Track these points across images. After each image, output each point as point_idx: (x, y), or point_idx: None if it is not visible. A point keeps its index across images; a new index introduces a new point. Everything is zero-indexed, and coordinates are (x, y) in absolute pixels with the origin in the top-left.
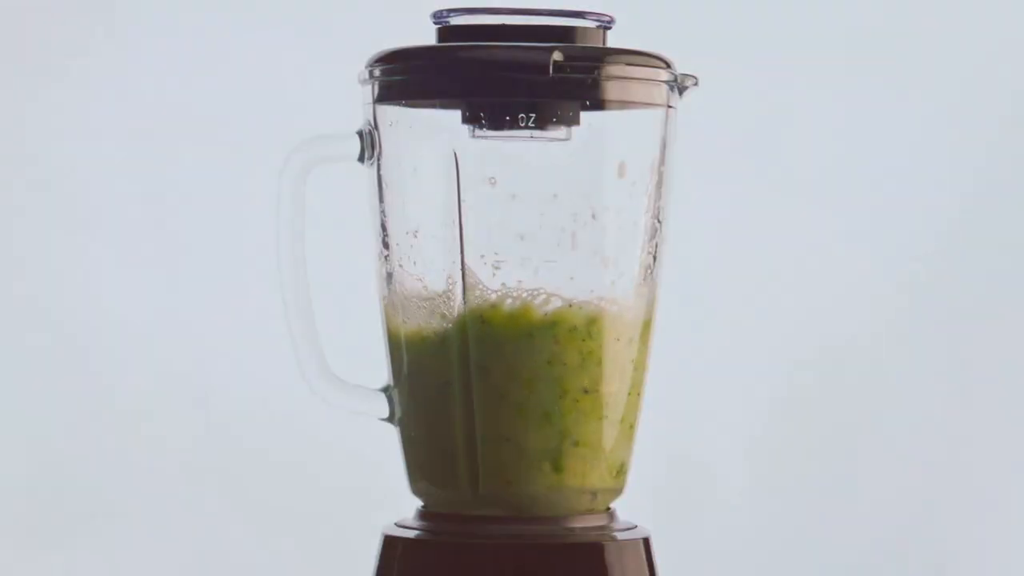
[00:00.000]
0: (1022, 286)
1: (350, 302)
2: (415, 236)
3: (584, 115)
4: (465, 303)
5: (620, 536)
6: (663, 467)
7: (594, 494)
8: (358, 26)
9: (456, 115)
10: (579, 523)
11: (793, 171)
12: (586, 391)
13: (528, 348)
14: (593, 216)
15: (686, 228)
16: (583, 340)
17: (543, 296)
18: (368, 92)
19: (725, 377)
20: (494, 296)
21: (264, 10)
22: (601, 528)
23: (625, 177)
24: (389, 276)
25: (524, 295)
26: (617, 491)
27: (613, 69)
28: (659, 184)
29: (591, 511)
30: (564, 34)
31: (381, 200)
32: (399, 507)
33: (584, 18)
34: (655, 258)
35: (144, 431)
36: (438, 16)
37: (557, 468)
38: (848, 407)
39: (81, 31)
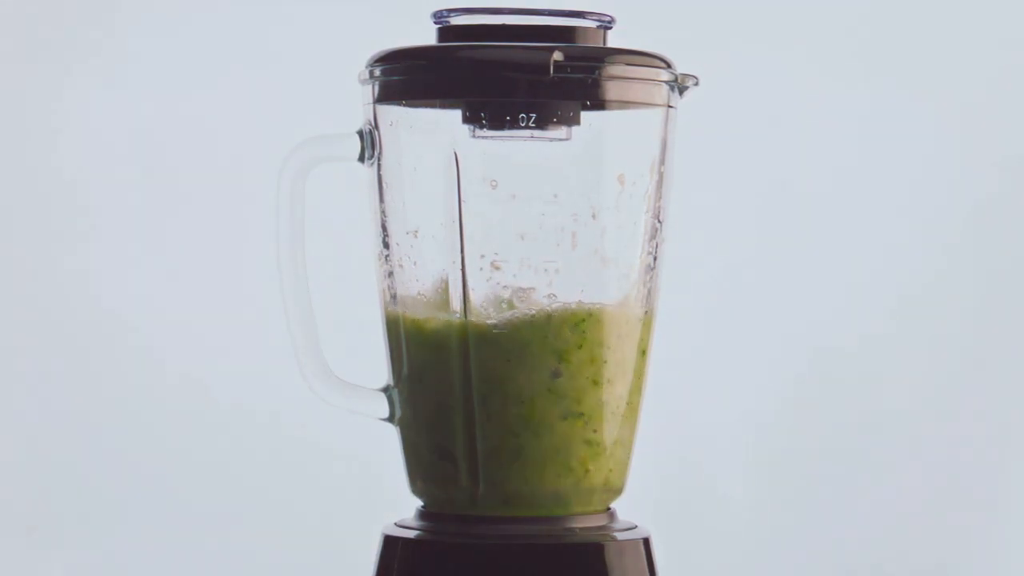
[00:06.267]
0: (1021, 291)
1: (350, 302)
2: (415, 236)
3: (584, 115)
4: (465, 303)
5: (620, 536)
6: (663, 468)
7: (594, 494)
8: (358, 26)
9: (456, 115)
10: (579, 523)
11: (794, 172)
12: (586, 391)
13: (528, 348)
14: (593, 216)
15: (686, 229)
16: (583, 340)
17: (543, 296)
18: (368, 92)
19: (726, 378)
20: (494, 296)
21: (264, 10)
22: (601, 528)
23: (624, 186)
24: (389, 276)
25: (524, 295)
26: (617, 491)
27: (613, 69)
28: (659, 184)
29: (591, 511)
30: (564, 34)
31: (381, 200)
32: (399, 507)
33: (584, 18)
34: (655, 258)
35: (144, 431)
36: (438, 16)
37: (557, 468)
38: (848, 409)
39: (81, 31)
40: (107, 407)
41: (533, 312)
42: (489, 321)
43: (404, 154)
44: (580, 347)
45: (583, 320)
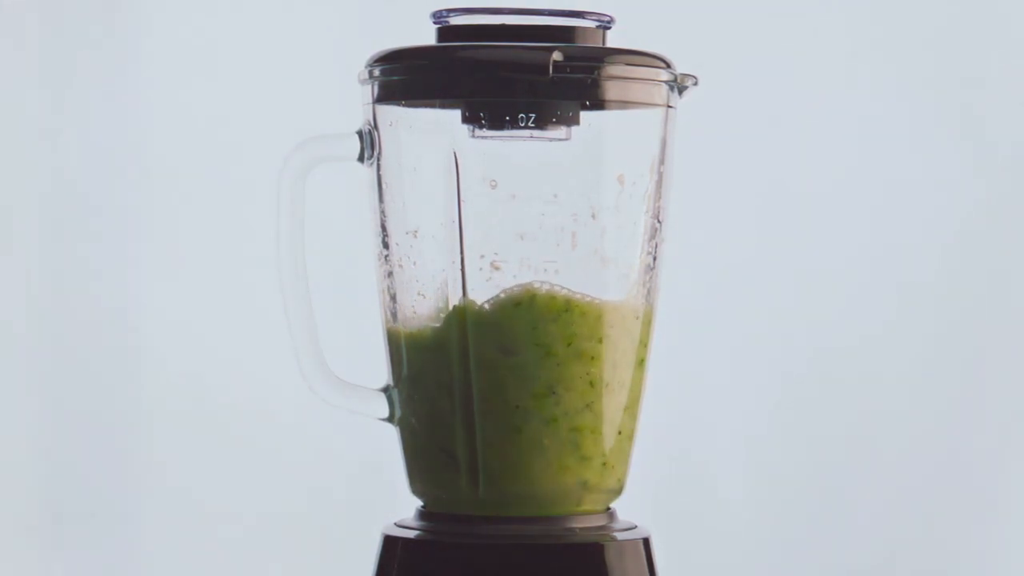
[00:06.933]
0: (1020, 292)
1: (350, 302)
2: (415, 236)
3: (584, 115)
4: (465, 303)
5: (620, 536)
6: (663, 467)
7: (594, 494)
8: (358, 26)
9: (456, 115)
10: (579, 523)
11: (794, 172)
12: (587, 392)
13: (528, 349)
14: (593, 216)
15: (686, 229)
16: (583, 340)
17: (543, 296)
18: (368, 92)
19: (725, 377)
20: (494, 296)
21: (264, 10)
22: (601, 528)
23: (624, 186)
24: (389, 276)
25: (524, 295)
26: (617, 491)
27: (613, 69)
28: (659, 184)
29: (591, 511)
30: (564, 34)
31: (381, 200)
32: (399, 507)
33: (584, 18)
34: (655, 258)
35: (144, 431)
36: (438, 16)
37: (557, 468)
38: (848, 408)
39: (80, 31)
40: (107, 407)
41: (532, 312)
42: (488, 321)
43: (404, 154)
44: (579, 346)
45: (564, 311)
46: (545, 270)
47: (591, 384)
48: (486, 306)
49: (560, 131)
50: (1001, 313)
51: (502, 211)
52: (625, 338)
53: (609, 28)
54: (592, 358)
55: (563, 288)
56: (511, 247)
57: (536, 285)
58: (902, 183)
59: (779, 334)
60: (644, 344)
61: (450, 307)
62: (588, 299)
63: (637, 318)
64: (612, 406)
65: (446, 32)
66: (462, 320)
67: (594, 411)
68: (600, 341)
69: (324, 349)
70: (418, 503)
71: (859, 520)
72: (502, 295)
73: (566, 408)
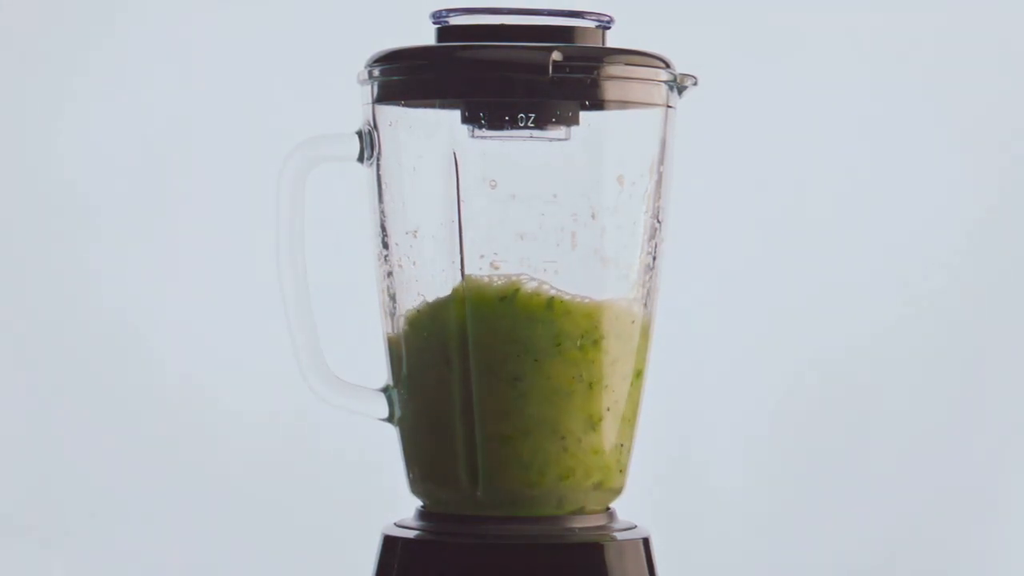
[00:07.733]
0: (1020, 294)
1: (350, 302)
2: (415, 236)
3: (583, 115)
4: (465, 303)
5: (620, 536)
6: (663, 467)
7: (594, 494)
8: (358, 26)
9: (456, 115)
10: (579, 523)
11: (794, 172)
12: (586, 392)
13: (527, 349)
14: (593, 216)
15: (686, 229)
16: (583, 340)
17: (542, 296)
18: (367, 92)
19: (725, 377)
20: (493, 296)
21: (264, 10)
22: (601, 528)
23: (624, 186)
24: (388, 276)
25: (523, 296)
26: (617, 491)
27: (612, 69)
28: (659, 184)
29: (591, 511)
30: (563, 34)
31: (381, 200)
32: (399, 507)
33: (583, 18)
34: (655, 258)
35: (144, 431)
36: (438, 16)
37: (557, 468)
38: (848, 409)
39: (81, 31)
40: (107, 407)
41: (532, 313)
42: (488, 321)
43: (403, 154)
44: (580, 347)
45: (582, 319)
46: (544, 270)
47: (592, 384)
48: (488, 313)
49: (560, 131)
50: (1001, 314)
51: (502, 211)
52: (622, 340)
53: (609, 28)
54: (592, 359)
55: (553, 288)
56: (511, 247)
57: (524, 280)
58: (903, 185)
59: (780, 335)
60: (644, 344)
61: (452, 310)
62: (578, 299)
63: (633, 322)
64: (612, 406)
65: (446, 32)
66: (461, 311)
67: (594, 411)
68: (591, 339)
69: (324, 349)
70: (418, 503)
71: (859, 520)
72: (484, 278)
73: (566, 408)
